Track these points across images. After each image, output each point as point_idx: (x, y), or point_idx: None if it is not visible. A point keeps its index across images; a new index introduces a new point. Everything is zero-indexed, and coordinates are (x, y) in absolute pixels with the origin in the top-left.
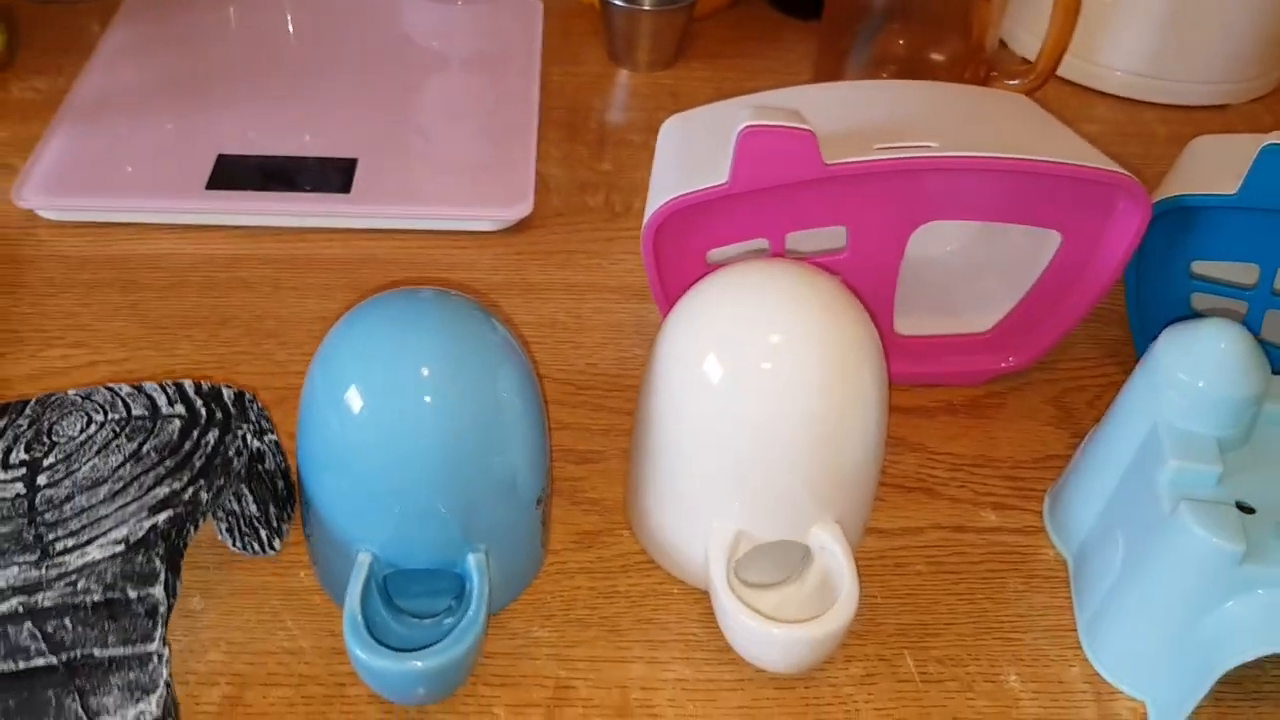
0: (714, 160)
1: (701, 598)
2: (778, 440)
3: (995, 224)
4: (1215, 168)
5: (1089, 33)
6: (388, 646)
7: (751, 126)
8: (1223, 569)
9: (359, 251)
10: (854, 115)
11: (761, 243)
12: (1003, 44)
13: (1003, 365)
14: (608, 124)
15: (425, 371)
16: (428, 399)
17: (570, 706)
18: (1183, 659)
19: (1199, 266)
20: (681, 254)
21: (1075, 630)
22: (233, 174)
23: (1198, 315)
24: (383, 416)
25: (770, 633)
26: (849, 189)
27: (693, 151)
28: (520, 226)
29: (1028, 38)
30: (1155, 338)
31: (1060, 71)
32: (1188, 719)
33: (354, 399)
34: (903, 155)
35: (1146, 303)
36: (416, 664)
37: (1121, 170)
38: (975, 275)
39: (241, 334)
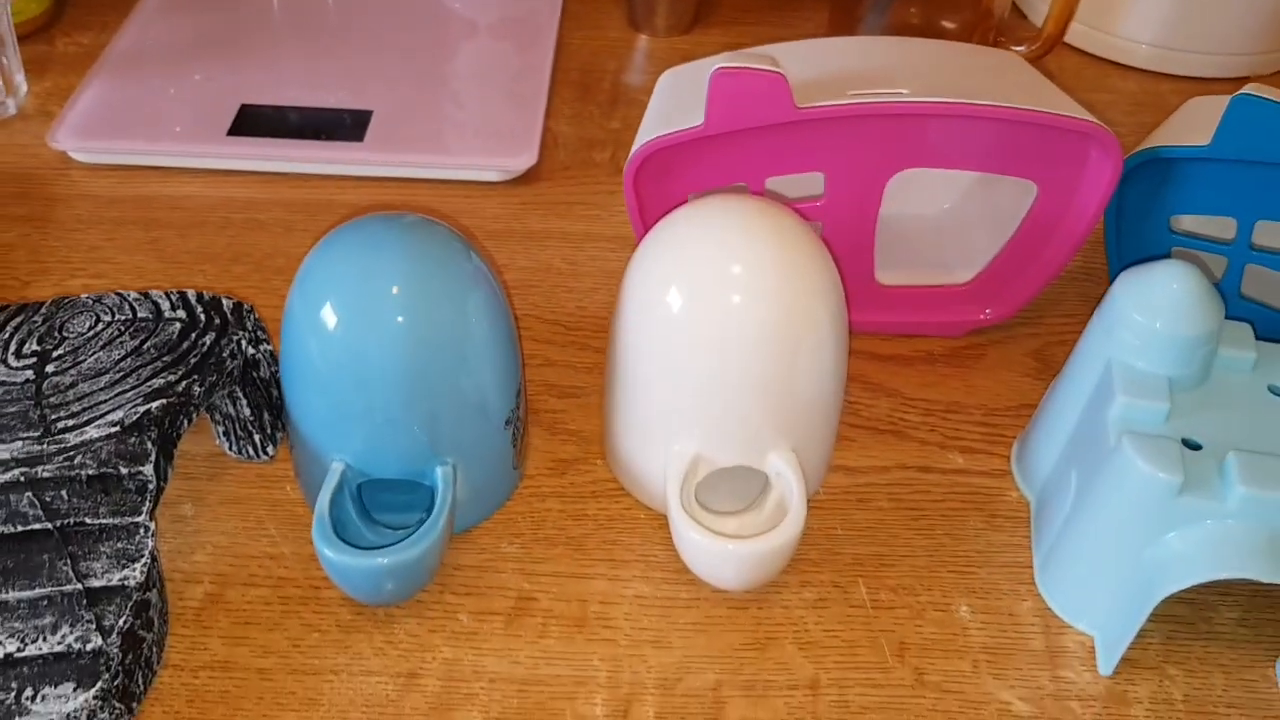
0: (694, 106)
1: (665, 523)
2: (734, 366)
3: (986, 181)
4: (1197, 122)
5: (1107, 3)
6: (360, 549)
7: (724, 69)
8: (1161, 500)
9: (370, 198)
10: (834, 65)
11: (741, 187)
12: (1021, 14)
13: (981, 316)
14: (621, 85)
15: (395, 290)
16: (398, 318)
17: (531, 616)
18: (1126, 591)
19: (1178, 221)
20: (663, 196)
21: (1032, 569)
22: (254, 122)
23: None
24: (354, 333)
25: (713, 546)
26: (824, 134)
27: (677, 99)
28: (526, 178)
29: (1044, 7)
30: None
31: (1077, 42)
32: (1126, 652)
33: (327, 316)
34: (874, 100)
35: (1127, 258)
36: (379, 560)
37: (1094, 120)
38: (966, 232)
39: (251, 270)
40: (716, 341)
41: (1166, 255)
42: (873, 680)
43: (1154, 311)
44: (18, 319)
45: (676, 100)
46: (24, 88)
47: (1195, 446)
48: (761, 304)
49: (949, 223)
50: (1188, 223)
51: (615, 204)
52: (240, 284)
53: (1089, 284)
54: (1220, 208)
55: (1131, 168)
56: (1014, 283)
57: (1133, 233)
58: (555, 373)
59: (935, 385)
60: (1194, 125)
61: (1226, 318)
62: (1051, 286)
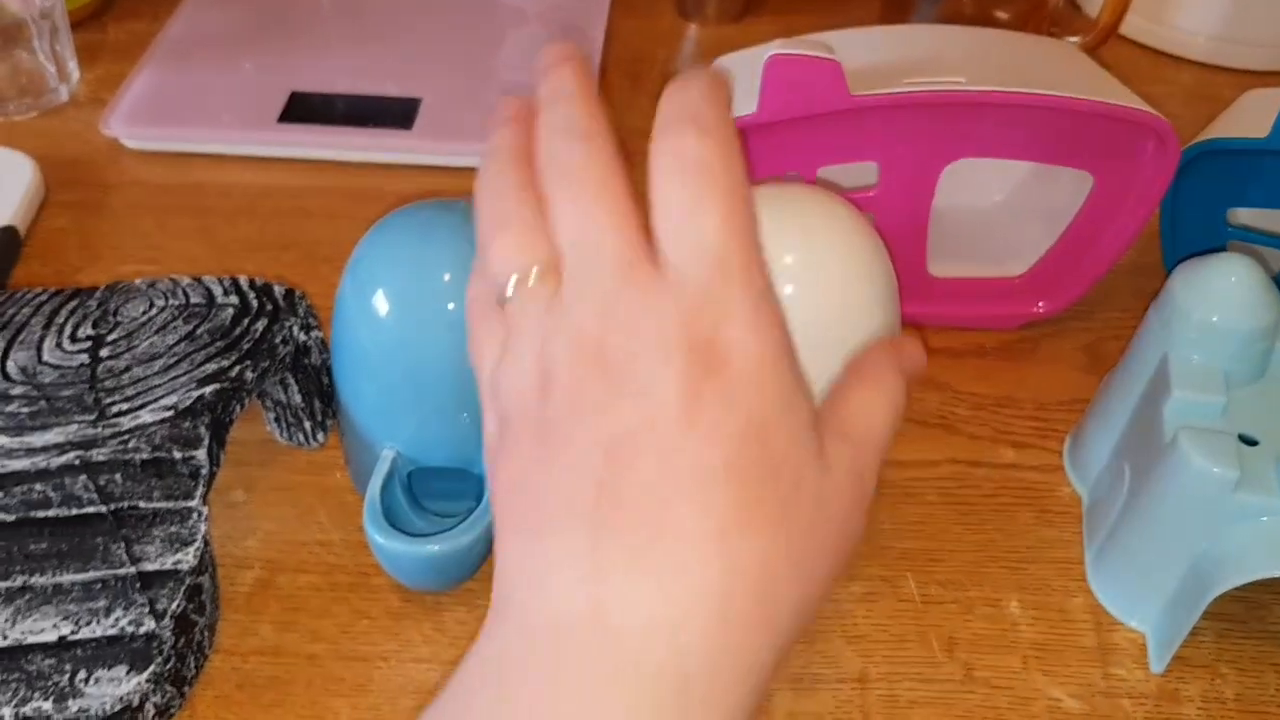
0: (745, 92)
1: None
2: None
3: (1040, 173)
4: (1257, 115)
5: None
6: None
7: (778, 55)
8: (1217, 496)
9: (417, 187)
10: (888, 54)
11: (794, 176)
12: (1075, 5)
13: (1035, 310)
14: (671, 74)
15: (447, 278)
16: (450, 305)
17: None
18: (1179, 588)
19: (1235, 215)
20: None
21: (1083, 565)
22: (303, 109)
23: None
24: (405, 321)
25: (384, 545)
26: (879, 123)
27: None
28: None
29: None
30: None
31: (1133, 35)
32: (1179, 649)
33: (379, 303)
34: (930, 89)
35: (1182, 252)
36: (430, 547)
37: (1152, 110)
38: (1019, 225)
39: (300, 257)
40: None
41: (1223, 249)
42: (921, 675)
43: (1211, 305)
44: (72, 303)
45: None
46: (76, 75)
47: (1252, 442)
48: (816, 296)
49: (1002, 215)
50: (1245, 216)
51: None
52: (289, 271)
53: (1142, 279)
54: (1279, 201)
55: (1188, 160)
56: (1068, 276)
57: (1188, 226)
58: None
59: (986, 378)
60: (1252, 118)
61: None
62: (1104, 281)
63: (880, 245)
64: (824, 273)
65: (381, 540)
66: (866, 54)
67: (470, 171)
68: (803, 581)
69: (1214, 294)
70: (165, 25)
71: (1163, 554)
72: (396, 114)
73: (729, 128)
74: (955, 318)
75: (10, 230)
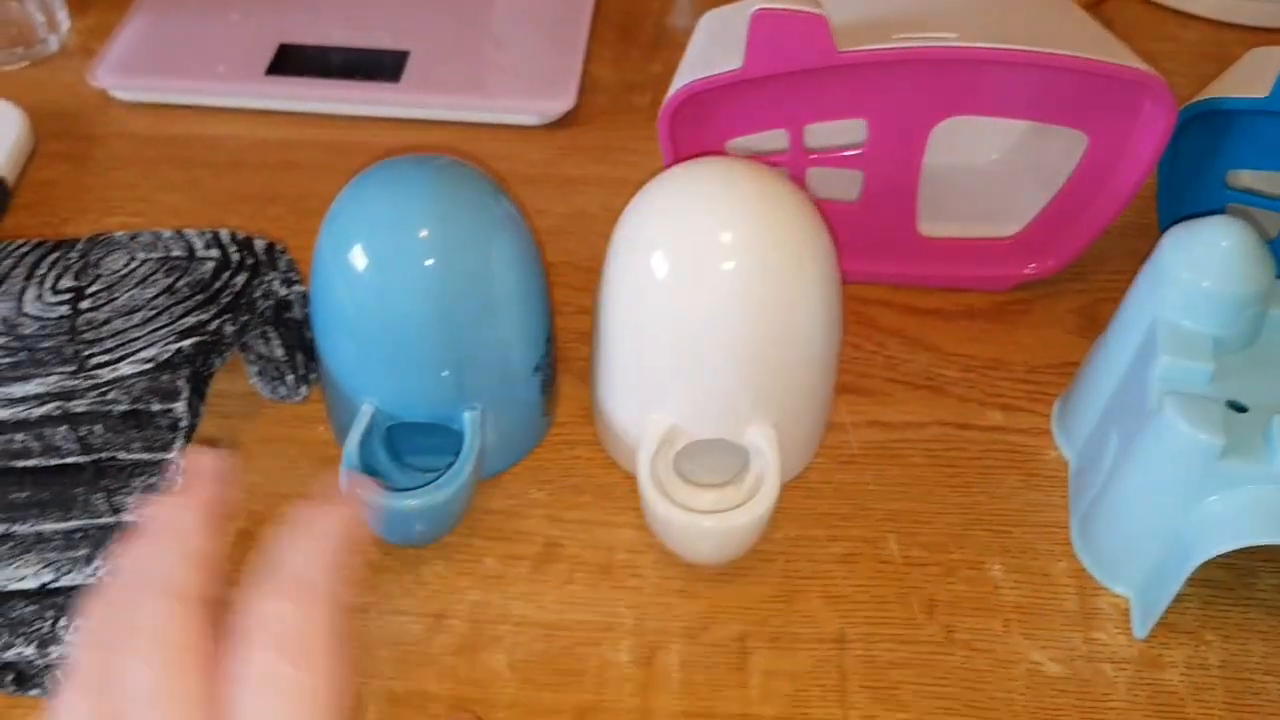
0: (734, 49)
1: None
2: (714, 337)
3: (1036, 132)
4: (1258, 73)
5: None
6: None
7: (764, 9)
8: (1203, 462)
9: (406, 141)
10: (879, 9)
11: (780, 134)
12: None
13: (1027, 271)
14: (664, 28)
15: (424, 234)
16: (427, 261)
17: (557, 562)
18: (1164, 554)
19: (1235, 176)
20: (700, 142)
21: (1069, 529)
22: (292, 62)
23: None
24: (382, 276)
25: (677, 519)
26: (868, 80)
27: (717, 41)
28: (564, 122)
29: None
30: None
31: None
32: (1163, 615)
33: (356, 258)
34: (920, 45)
35: (1180, 213)
36: (408, 501)
37: (1147, 68)
38: (1014, 185)
39: (286, 211)
40: (698, 310)
41: (1221, 211)
42: (900, 636)
43: (1201, 269)
44: (54, 255)
45: (716, 43)
46: (66, 24)
47: (1241, 409)
48: (745, 274)
49: (996, 174)
50: (1246, 178)
51: (654, 149)
52: (275, 225)
53: (1138, 240)
54: (1278, 163)
55: (1186, 120)
56: (1061, 236)
57: (1186, 187)
58: (588, 321)
59: (976, 340)
60: (1254, 77)
61: (1278, 277)
62: (1099, 242)
63: (820, 224)
64: (754, 252)
65: (359, 494)
66: (856, 9)
67: (458, 126)
68: None
69: (1204, 258)
70: None
71: (1147, 520)
72: (385, 67)
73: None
74: (946, 278)
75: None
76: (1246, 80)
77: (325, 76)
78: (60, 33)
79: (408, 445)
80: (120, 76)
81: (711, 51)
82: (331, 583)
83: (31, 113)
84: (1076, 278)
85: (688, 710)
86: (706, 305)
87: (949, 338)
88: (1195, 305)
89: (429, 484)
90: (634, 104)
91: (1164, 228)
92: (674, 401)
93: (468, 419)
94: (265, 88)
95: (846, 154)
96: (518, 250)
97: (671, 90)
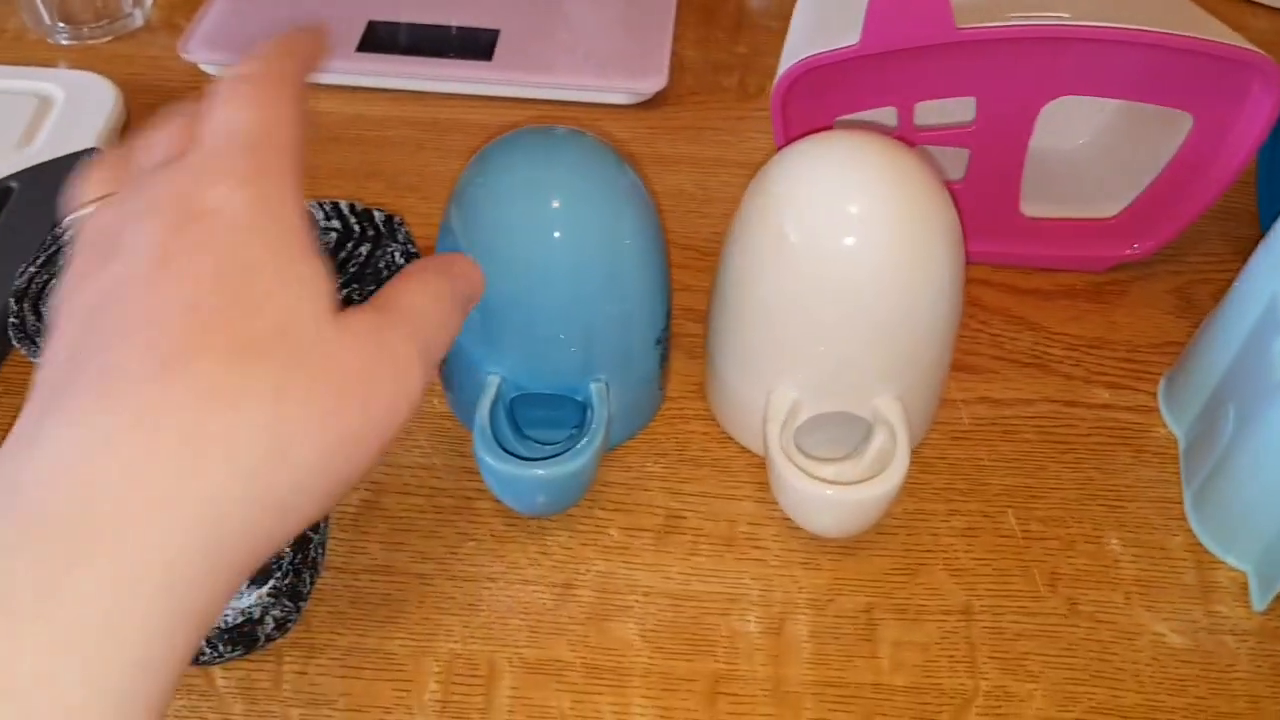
0: (846, 24)
1: None
2: (846, 311)
3: (1126, 114)
4: None
5: None
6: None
7: None
8: None
9: (499, 118)
10: None
11: (890, 112)
12: None
13: (1127, 252)
14: (746, 10)
15: (555, 205)
16: (556, 233)
17: (680, 534)
18: None
19: None
20: (809, 119)
21: (1181, 504)
22: (382, 39)
23: None
24: (512, 248)
25: (813, 491)
26: (979, 58)
27: (826, 16)
28: (654, 102)
29: None
30: None
31: None
32: None
33: (485, 230)
34: (1034, 23)
35: (1277, 195)
36: (538, 471)
37: (1258, 50)
38: (1105, 167)
39: (385, 187)
40: (830, 283)
41: None
42: (1025, 608)
43: None
44: None
45: (822, 19)
46: None
47: None
48: (878, 248)
49: (1086, 156)
50: None
51: (745, 129)
52: (375, 200)
53: (1231, 223)
54: None
55: None
56: (1162, 218)
57: None
58: (691, 297)
59: (1078, 320)
60: None
61: None
62: (1194, 224)
63: (948, 199)
64: (888, 227)
65: (494, 463)
66: None
67: (549, 105)
68: (289, 420)
69: None
70: None
71: (1267, 495)
72: (476, 45)
73: (295, 65)
74: (1045, 258)
75: (96, 151)
76: None
77: (416, 54)
78: (145, 7)
79: (524, 418)
80: (212, 50)
81: (821, 27)
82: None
83: (122, 87)
84: (1171, 259)
85: (820, 680)
86: (840, 278)
87: (1051, 317)
88: None
89: (559, 454)
90: (722, 84)
91: (1262, 210)
92: (801, 375)
93: (594, 390)
94: (359, 64)
95: (955, 131)
96: (643, 221)
97: (782, 67)
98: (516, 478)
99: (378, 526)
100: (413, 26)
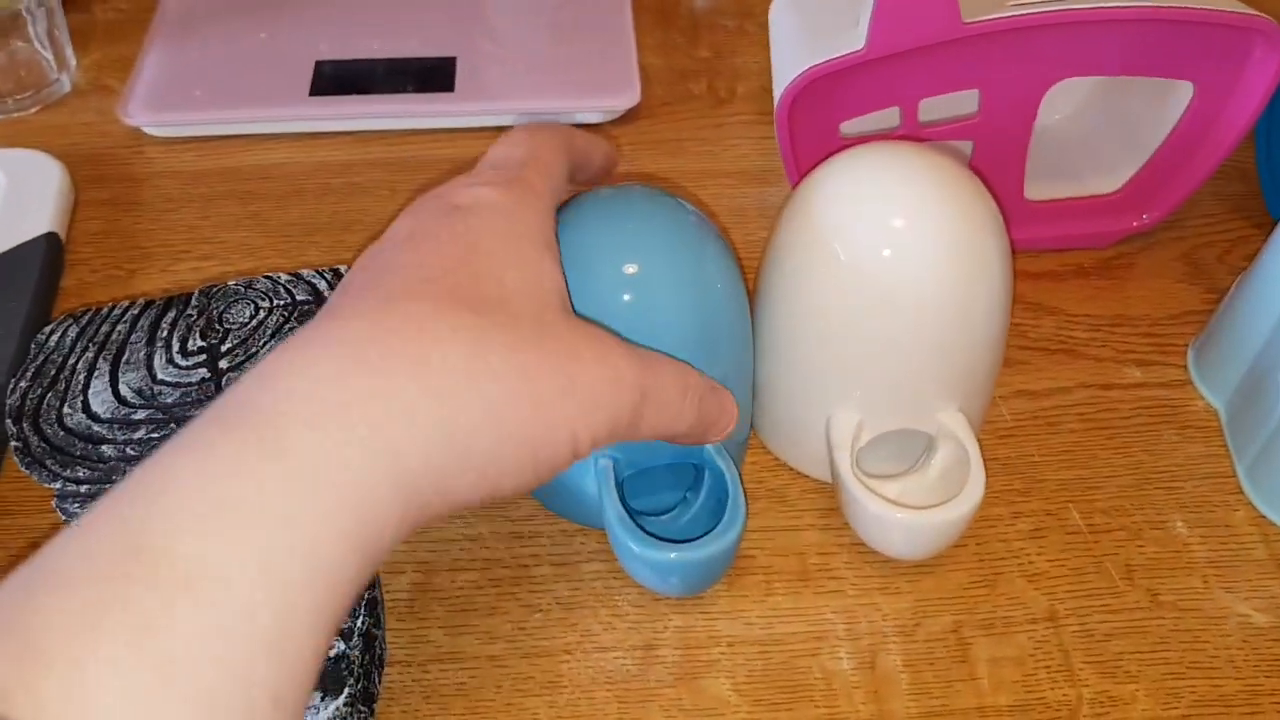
0: (842, 28)
1: None
2: (902, 328)
3: (1111, 87)
4: None
5: None
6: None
7: None
8: None
9: (470, 150)
10: None
11: (893, 111)
12: None
13: (1134, 224)
14: (698, 10)
15: (649, 269)
16: (656, 298)
17: (751, 575)
18: None
19: None
20: (814, 129)
21: (1234, 476)
22: (333, 80)
23: None
24: (620, 318)
25: (898, 517)
26: (983, 49)
27: (816, 23)
28: (627, 118)
29: None
30: None
31: None
32: None
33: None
34: (1038, 10)
35: (1276, 154)
36: (699, 553)
37: (1260, 14)
38: (1092, 140)
39: (367, 238)
40: (887, 302)
41: None
42: (1108, 606)
43: None
44: (170, 314)
45: (814, 25)
46: (74, 62)
47: None
48: (934, 262)
49: (1069, 131)
50: None
51: (725, 137)
52: (358, 253)
53: (1222, 181)
54: None
55: None
56: (1166, 187)
57: None
58: None
59: (1094, 299)
60: None
61: None
62: None
63: (993, 203)
64: (940, 234)
65: (647, 551)
66: None
67: None
68: (487, 365)
69: None
70: (160, 1)
71: None
72: (435, 76)
73: (555, 137)
74: (1053, 239)
75: (53, 237)
76: None
77: (373, 92)
78: (70, 70)
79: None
80: (155, 111)
81: (815, 34)
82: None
83: (62, 160)
84: (1171, 226)
85: (925, 711)
86: (897, 295)
87: (1067, 299)
88: None
89: (713, 530)
90: (692, 92)
91: (1261, 169)
92: (862, 396)
93: (712, 453)
94: (315, 109)
95: (959, 124)
96: (735, 270)
97: (781, 82)
98: (680, 562)
99: (435, 610)
100: (362, 63)
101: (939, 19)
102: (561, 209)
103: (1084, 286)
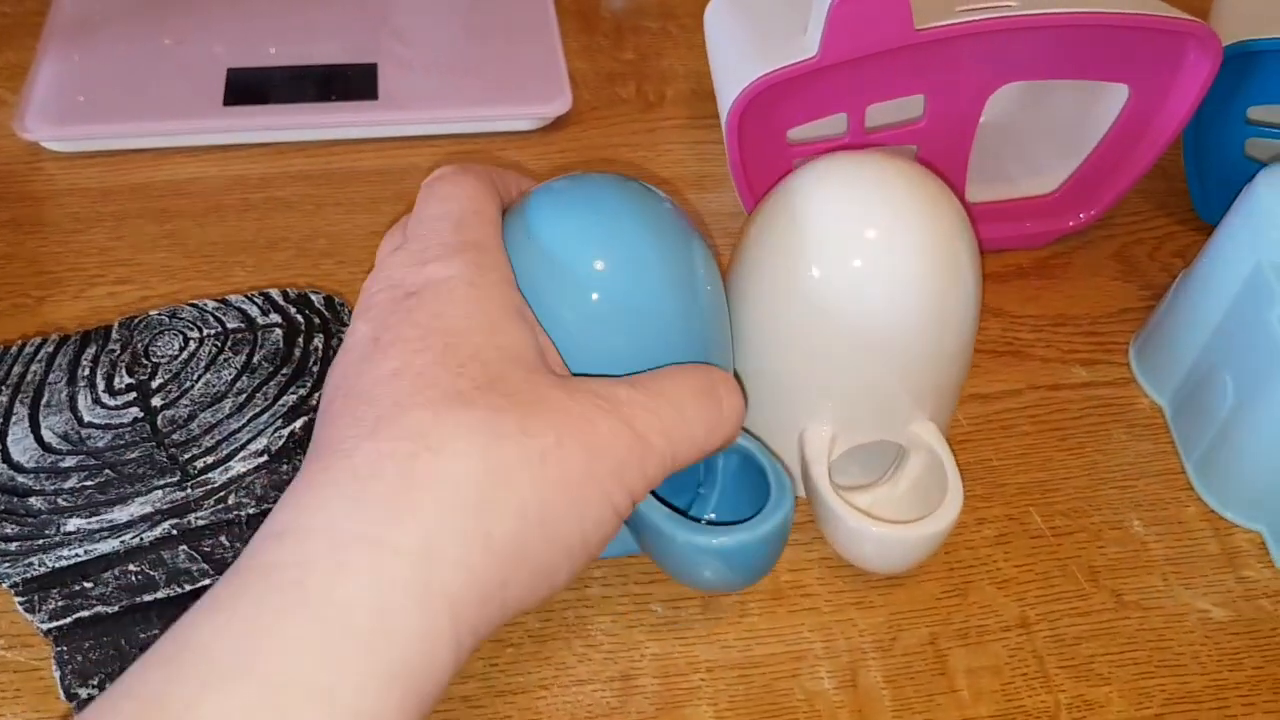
0: (787, 34)
1: None
2: (878, 341)
3: (1041, 91)
4: (1263, 11)
5: None
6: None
7: None
8: None
9: (396, 161)
10: None
11: (840, 117)
12: None
13: (1070, 224)
14: (618, 12)
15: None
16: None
17: (725, 596)
18: None
19: (1255, 112)
20: (761, 137)
21: (1183, 473)
22: (248, 88)
23: (1252, 162)
24: (621, 309)
25: (877, 532)
26: (932, 55)
27: (759, 28)
28: (556, 125)
29: None
30: (1211, 187)
31: None
32: None
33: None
34: (987, 16)
35: (1203, 152)
36: (755, 531)
37: (1194, 19)
38: (1028, 142)
39: (294, 256)
40: (860, 316)
41: (1242, 146)
42: (1076, 609)
43: None
44: (90, 350)
45: (758, 31)
46: None
47: None
48: (908, 275)
49: (1005, 134)
50: (1263, 112)
51: (659, 143)
52: (286, 272)
53: (1148, 179)
54: None
55: None
56: (1101, 187)
57: (1210, 126)
58: None
59: (1035, 299)
60: (1257, 14)
61: None
62: None
63: (964, 213)
64: (915, 246)
65: (718, 540)
66: None
67: (448, 139)
68: (504, 459)
69: None
70: (52, 3)
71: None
72: (357, 84)
73: (483, 182)
74: (989, 241)
75: None
76: (1254, 18)
77: (292, 101)
78: None
79: None
80: (56, 125)
81: (762, 39)
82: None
83: None
84: (1102, 224)
85: None
86: (871, 309)
87: (1010, 300)
88: None
89: (759, 512)
90: (620, 96)
91: (1188, 166)
92: (835, 410)
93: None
94: (231, 120)
95: (903, 130)
96: (715, 268)
97: (728, 91)
98: (743, 545)
99: None
100: (279, 70)
101: (892, 26)
102: (525, 201)
103: (1025, 287)
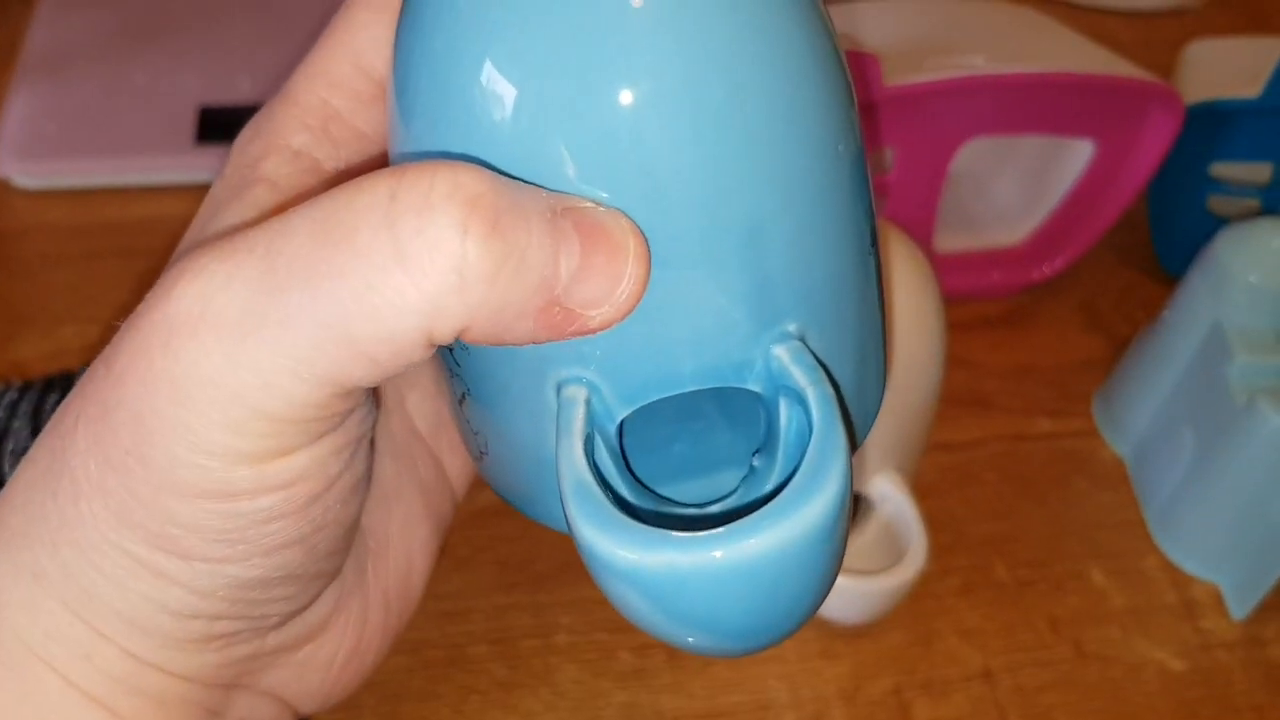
0: None
1: None
2: None
3: (1008, 145)
4: (1226, 71)
5: None
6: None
7: None
8: None
9: None
10: (897, 33)
11: None
12: None
13: (1036, 275)
14: None
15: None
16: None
17: None
18: (1258, 542)
19: (1218, 168)
20: None
21: (1143, 524)
22: (220, 125)
23: (1215, 217)
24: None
25: (841, 583)
26: (901, 110)
27: None
28: None
29: None
30: (1175, 241)
31: None
32: (1263, 598)
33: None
34: (956, 74)
35: (1167, 206)
36: (749, 542)
37: (1157, 79)
38: (995, 193)
39: None
40: None
41: (1204, 202)
42: (1038, 659)
43: (1262, 268)
44: (52, 398)
45: None
46: None
47: None
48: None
49: (973, 185)
50: (1225, 169)
51: None
52: None
53: (1113, 231)
54: (1260, 154)
55: None
56: (1067, 239)
57: (1173, 182)
58: None
59: (1001, 349)
60: (1225, 75)
61: None
62: None
63: (929, 268)
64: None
65: (636, 556)
66: (878, 35)
67: None
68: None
69: (1264, 259)
70: (24, 37)
71: (1238, 511)
72: None
73: None
74: (955, 290)
75: None
76: (1218, 78)
77: None
78: None
79: (643, 466)
80: (25, 161)
81: None
82: None
83: None
84: (1067, 275)
85: None
86: None
87: (976, 349)
88: (1259, 304)
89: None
90: None
91: (1153, 220)
92: None
93: (782, 354)
94: (202, 159)
95: (874, 181)
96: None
97: None
98: (691, 570)
99: (364, 699)
100: (251, 108)
101: (864, 83)
102: None
103: (991, 336)
